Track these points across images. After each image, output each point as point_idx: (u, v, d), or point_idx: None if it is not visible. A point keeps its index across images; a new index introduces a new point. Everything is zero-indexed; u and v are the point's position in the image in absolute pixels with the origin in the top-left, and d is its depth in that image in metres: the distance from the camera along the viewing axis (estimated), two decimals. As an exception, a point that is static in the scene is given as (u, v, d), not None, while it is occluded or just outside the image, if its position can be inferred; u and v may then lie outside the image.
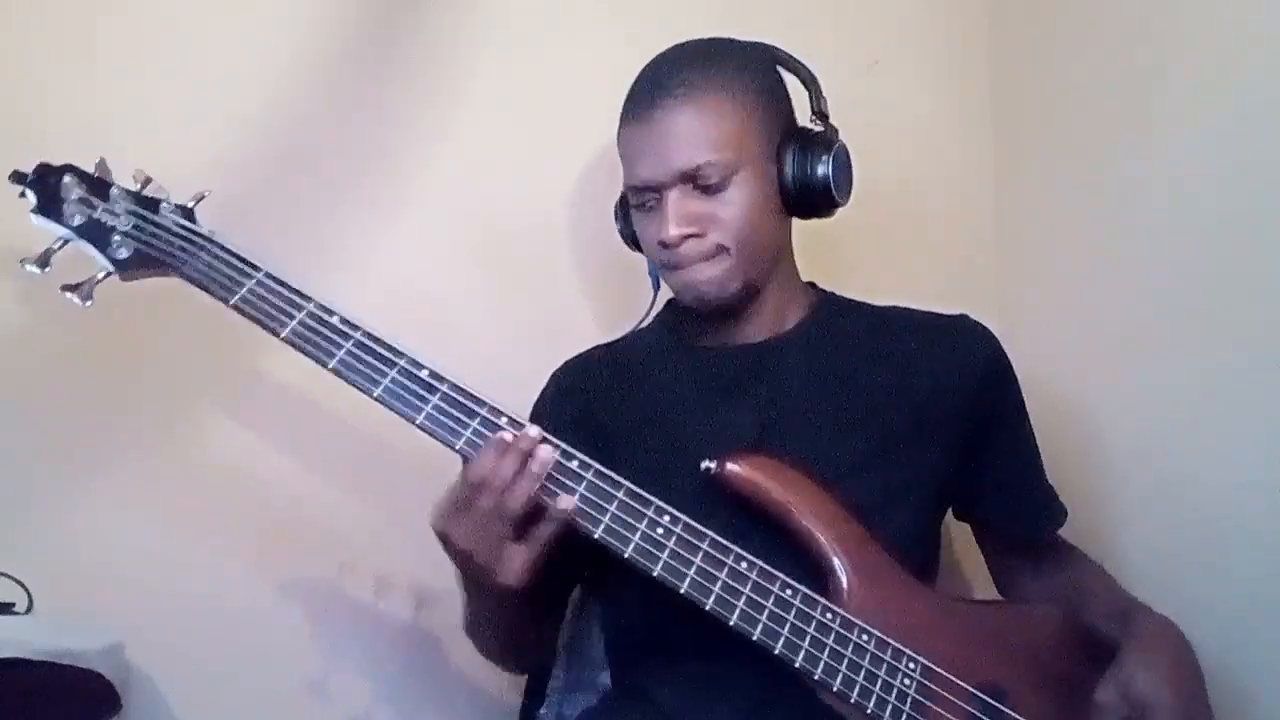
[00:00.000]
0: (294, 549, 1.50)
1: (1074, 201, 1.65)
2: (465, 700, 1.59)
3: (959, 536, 1.54)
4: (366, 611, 1.53)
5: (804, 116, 1.36)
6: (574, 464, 1.17)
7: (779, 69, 1.38)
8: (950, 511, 1.43)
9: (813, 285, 1.44)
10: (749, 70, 1.33)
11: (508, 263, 1.62)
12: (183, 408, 1.49)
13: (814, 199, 1.34)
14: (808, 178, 1.33)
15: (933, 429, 1.33)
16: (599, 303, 1.64)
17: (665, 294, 1.44)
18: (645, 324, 1.46)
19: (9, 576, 1.35)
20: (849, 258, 1.40)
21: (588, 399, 1.39)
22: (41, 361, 1.44)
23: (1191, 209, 1.44)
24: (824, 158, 1.32)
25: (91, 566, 1.42)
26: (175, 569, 1.46)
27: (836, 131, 1.36)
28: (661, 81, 1.30)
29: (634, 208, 1.33)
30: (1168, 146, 1.48)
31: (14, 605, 1.34)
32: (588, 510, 1.16)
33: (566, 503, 1.15)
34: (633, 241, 1.41)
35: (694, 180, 1.28)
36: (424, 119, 1.59)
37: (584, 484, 1.17)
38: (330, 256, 1.53)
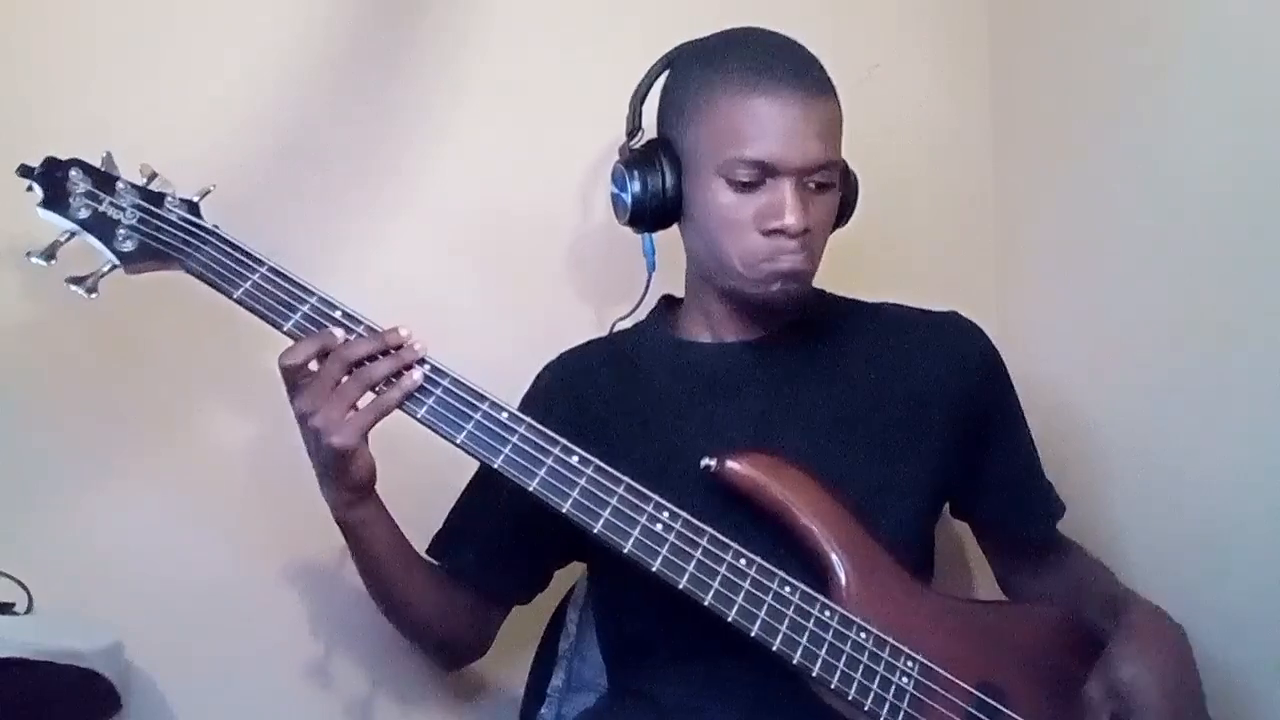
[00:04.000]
0: (295, 549, 1.50)
1: (1073, 202, 1.65)
2: (467, 700, 1.59)
3: (964, 535, 1.54)
4: (368, 611, 1.53)
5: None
6: (575, 459, 1.17)
7: None
8: (949, 511, 1.43)
9: None
10: None
11: (508, 262, 1.62)
12: (183, 407, 1.49)
13: (844, 214, 1.37)
14: (850, 194, 1.36)
15: (927, 426, 1.33)
16: (599, 303, 1.63)
17: (658, 279, 1.45)
18: (639, 317, 1.47)
19: (9, 576, 1.34)
20: (849, 258, 1.40)
21: (584, 392, 1.38)
22: (42, 362, 1.43)
23: (1191, 209, 1.44)
24: (855, 178, 1.36)
25: (91, 566, 1.42)
26: (175, 568, 1.46)
27: None
28: (804, 67, 1.28)
29: (728, 181, 1.26)
30: (1167, 147, 1.48)
31: (14, 605, 1.33)
32: (588, 505, 1.17)
33: (417, 375, 1.17)
34: (656, 212, 1.33)
35: (815, 174, 1.26)
36: (424, 118, 1.59)
37: (584, 479, 1.17)
38: (330, 256, 1.52)
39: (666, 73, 1.36)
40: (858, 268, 1.47)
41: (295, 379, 1.17)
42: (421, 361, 1.19)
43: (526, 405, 1.38)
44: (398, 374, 1.17)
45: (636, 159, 1.34)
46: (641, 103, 1.38)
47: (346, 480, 1.20)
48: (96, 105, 1.46)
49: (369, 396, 1.17)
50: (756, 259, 1.27)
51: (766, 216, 1.26)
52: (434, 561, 1.39)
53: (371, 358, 1.17)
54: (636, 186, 1.32)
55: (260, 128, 1.51)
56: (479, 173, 1.61)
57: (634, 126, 1.38)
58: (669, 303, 1.46)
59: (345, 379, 1.16)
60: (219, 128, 1.49)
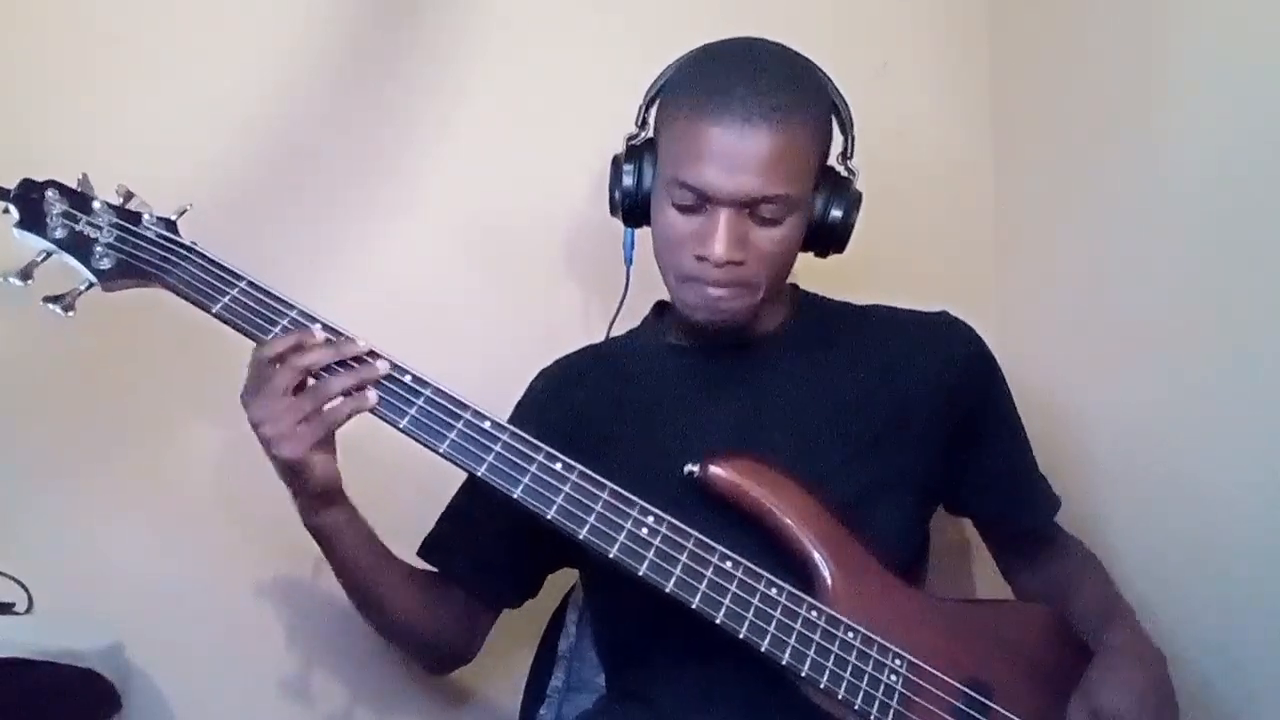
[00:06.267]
0: (294, 549, 1.49)
1: (1073, 202, 1.65)
2: (468, 702, 1.60)
3: (969, 533, 1.54)
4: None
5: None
6: (558, 466, 1.18)
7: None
8: (944, 508, 1.43)
9: (793, 286, 1.43)
10: (824, 100, 1.31)
11: (507, 263, 1.63)
12: (181, 409, 1.50)
13: (828, 244, 1.34)
14: (835, 225, 1.32)
15: (917, 426, 1.33)
16: (599, 304, 1.64)
17: (640, 282, 1.45)
18: (626, 310, 1.48)
19: (9, 576, 1.35)
20: (848, 259, 1.40)
21: (575, 399, 1.39)
22: (40, 364, 1.44)
23: (1190, 210, 1.44)
24: (850, 208, 1.32)
25: (91, 566, 1.43)
26: (175, 569, 1.47)
27: (856, 177, 1.35)
28: (760, 92, 1.22)
29: (671, 200, 1.26)
30: (1166, 148, 1.48)
31: (14, 605, 1.34)
32: (572, 511, 1.17)
33: (372, 395, 1.16)
34: (630, 209, 1.35)
35: (757, 207, 1.23)
36: (423, 120, 1.60)
37: (568, 485, 1.17)
38: (330, 258, 1.53)
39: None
40: (857, 268, 1.46)
41: (264, 375, 1.16)
42: (401, 371, 1.19)
43: (519, 412, 1.39)
44: (354, 390, 1.17)
45: (627, 154, 1.35)
46: (649, 100, 1.36)
47: (304, 488, 1.20)
48: (95, 110, 1.47)
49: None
50: (687, 282, 1.28)
51: (697, 242, 1.25)
52: (426, 566, 1.39)
53: (329, 368, 1.17)
54: (617, 180, 1.35)
55: (258, 129, 1.52)
56: (477, 175, 1.62)
57: (640, 120, 1.37)
58: (661, 308, 1.45)
59: (303, 393, 1.16)
60: (218, 129, 1.50)
